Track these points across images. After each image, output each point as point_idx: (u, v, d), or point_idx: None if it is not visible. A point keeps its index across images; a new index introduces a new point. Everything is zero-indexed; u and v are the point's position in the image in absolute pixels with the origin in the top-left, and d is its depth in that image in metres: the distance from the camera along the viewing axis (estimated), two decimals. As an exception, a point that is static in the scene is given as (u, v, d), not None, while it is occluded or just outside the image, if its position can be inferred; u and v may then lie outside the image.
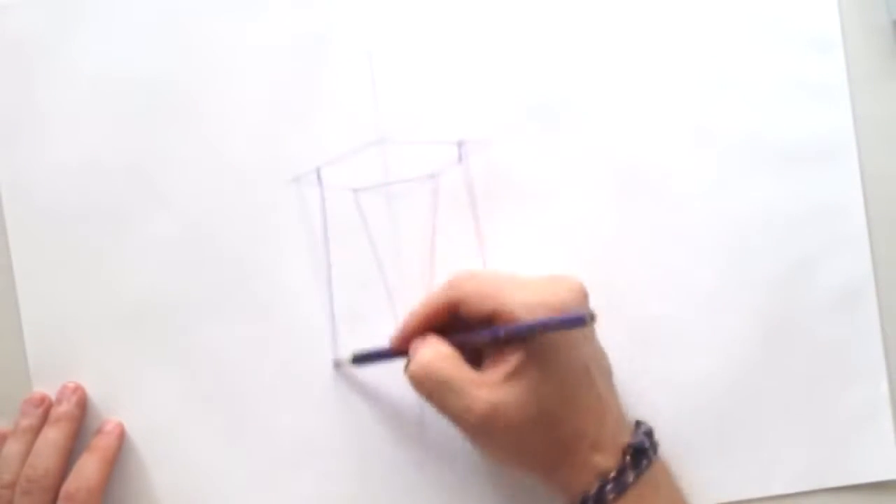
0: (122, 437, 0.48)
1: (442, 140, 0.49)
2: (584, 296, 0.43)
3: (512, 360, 0.42)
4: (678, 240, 0.49)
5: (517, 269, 0.45)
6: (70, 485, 0.46)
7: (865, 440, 0.48)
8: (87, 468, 0.46)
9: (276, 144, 0.49)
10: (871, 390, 0.48)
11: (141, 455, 0.48)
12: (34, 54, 0.49)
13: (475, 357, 0.43)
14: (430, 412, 0.47)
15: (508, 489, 0.48)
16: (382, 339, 0.48)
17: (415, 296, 0.48)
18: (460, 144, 0.49)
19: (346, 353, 0.48)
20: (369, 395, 0.48)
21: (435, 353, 0.43)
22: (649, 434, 0.44)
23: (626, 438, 0.43)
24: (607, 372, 0.45)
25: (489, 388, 0.42)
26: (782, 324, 0.49)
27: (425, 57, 0.49)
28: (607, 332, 0.48)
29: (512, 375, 0.42)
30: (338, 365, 0.48)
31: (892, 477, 0.48)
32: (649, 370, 0.48)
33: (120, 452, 0.48)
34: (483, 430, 0.42)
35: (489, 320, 0.42)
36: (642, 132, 0.49)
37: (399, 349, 0.45)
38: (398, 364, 0.45)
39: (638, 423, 0.45)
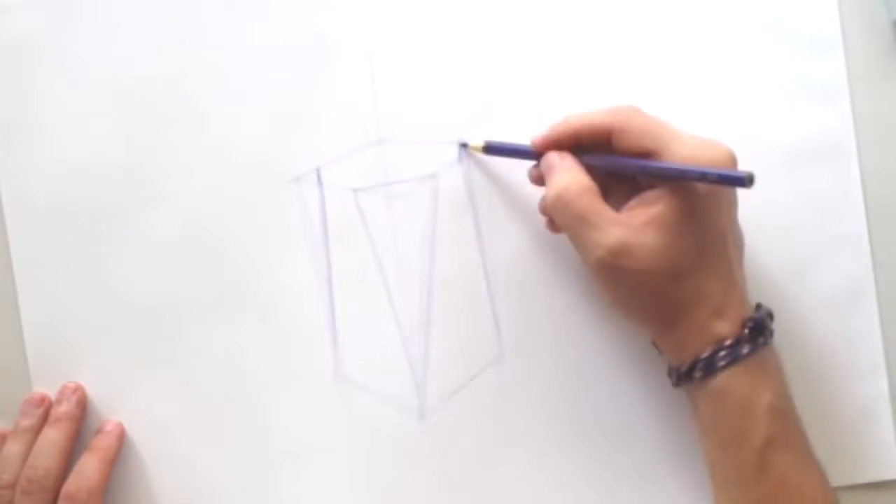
0: (122, 437, 0.48)
1: (442, 140, 0.49)
2: (735, 163, 0.42)
3: (655, 205, 0.41)
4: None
5: (513, 273, 0.45)
6: (70, 485, 0.46)
7: (865, 440, 0.48)
8: (87, 468, 0.46)
9: (276, 144, 0.49)
10: (870, 390, 0.48)
11: (141, 455, 0.48)
12: (34, 54, 0.49)
13: (605, 192, 0.43)
14: (429, 406, 0.48)
15: (508, 490, 0.48)
16: (382, 339, 0.48)
17: (415, 295, 0.48)
18: (460, 144, 0.49)
19: (346, 356, 0.48)
20: (369, 394, 0.48)
21: (572, 180, 0.42)
22: (770, 315, 0.44)
23: (748, 312, 0.42)
24: (741, 247, 0.44)
25: (626, 226, 0.41)
26: (782, 324, 0.48)
27: (425, 57, 0.49)
28: (606, 332, 0.48)
29: (652, 221, 0.41)
30: (463, 145, 0.47)
31: (892, 477, 0.48)
32: (649, 369, 0.48)
33: (120, 452, 0.48)
34: (611, 267, 0.41)
35: (643, 157, 0.42)
36: (642, 132, 0.49)
37: (538, 151, 0.44)
38: (398, 364, 0.46)
39: (759, 305, 0.44)
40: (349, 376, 0.48)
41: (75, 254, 0.49)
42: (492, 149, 0.46)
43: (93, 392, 0.48)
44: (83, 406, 0.48)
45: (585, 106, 0.48)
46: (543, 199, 0.44)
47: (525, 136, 0.48)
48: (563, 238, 0.48)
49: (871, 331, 0.49)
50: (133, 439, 0.48)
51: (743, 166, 0.48)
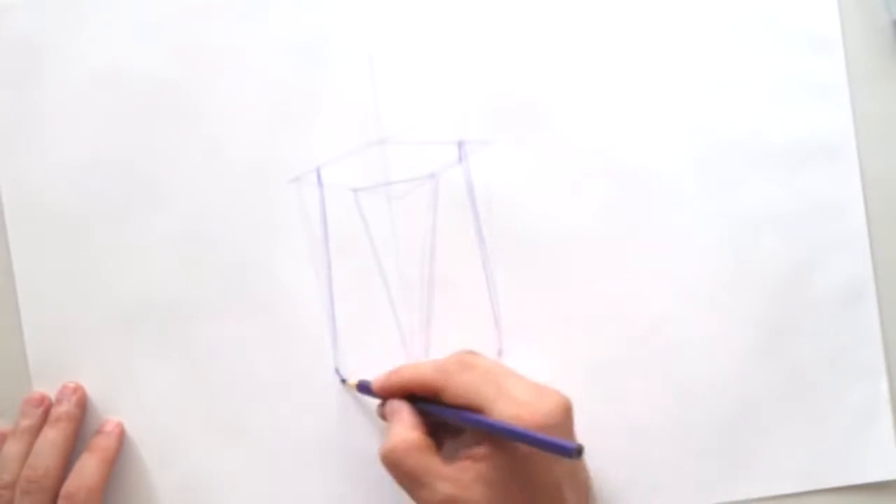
0: (122, 437, 0.48)
1: (442, 140, 0.49)
2: (570, 415, 0.42)
3: (482, 462, 0.41)
4: (678, 240, 0.49)
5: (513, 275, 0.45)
6: (70, 485, 0.46)
7: (865, 440, 0.48)
8: (87, 468, 0.46)
9: (276, 144, 0.49)
10: (871, 390, 0.48)
11: (141, 455, 0.48)
12: (34, 54, 0.49)
13: (444, 434, 0.44)
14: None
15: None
16: (382, 339, 0.48)
17: (415, 296, 0.48)
18: (460, 144, 0.49)
19: (346, 356, 0.48)
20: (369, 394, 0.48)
21: (404, 438, 0.42)
22: None
23: None
24: (584, 488, 0.44)
25: (455, 483, 0.41)
26: (782, 324, 0.49)
27: (425, 57, 0.49)
28: (607, 332, 0.48)
29: (479, 477, 0.41)
30: (343, 380, 0.48)
31: (892, 477, 0.48)
32: (650, 370, 0.48)
33: (120, 452, 0.48)
34: None
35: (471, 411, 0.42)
36: (642, 132, 0.49)
37: (379, 396, 0.46)
38: (398, 364, 0.45)
39: None
40: (349, 376, 0.48)
41: (75, 254, 0.49)
42: (361, 387, 0.47)
43: (93, 392, 0.48)
44: (83, 406, 0.48)
45: (585, 105, 0.49)
46: (380, 456, 0.43)
47: (525, 137, 0.49)
48: (562, 238, 0.49)
49: (871, 331, 0.49)
50: (133, 439, 0.48)
51: (743, 166, 0.49)
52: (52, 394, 0.48)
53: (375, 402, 0.47)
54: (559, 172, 0.49)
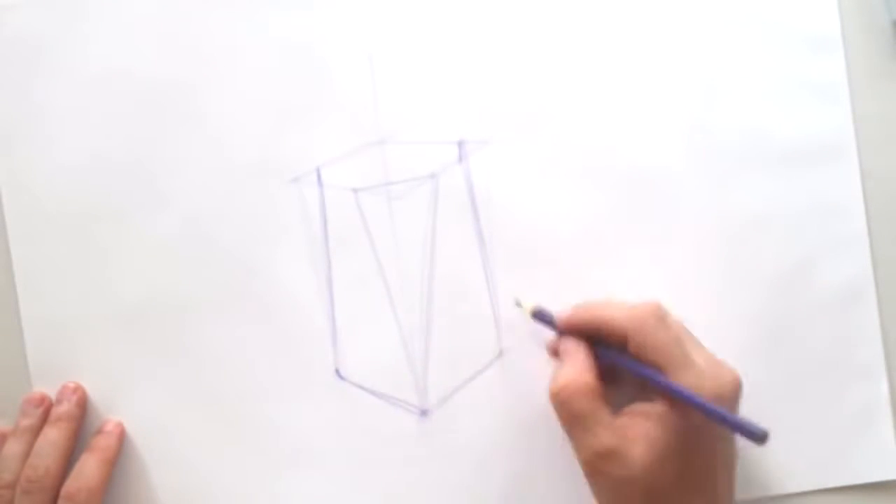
0: (122, 437, 0.48)
1: (442, 140, 0.49)
2: (740, 393, 0.42)
3: (651, 422, 0.42)
4: (678, 240, 0.49)
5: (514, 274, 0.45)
6: (70, 485, 0.46)
7: (865, 440, 0.48)
8: (87, 468, 0.46)
9: (276, 144, 0.49)
10: (871, 390, 0.48)
11: (141, 455, 0.48)
12: (35, 54, 0.49)
13: (615, 381, 0.44)
14: (429, 406, 0.48)
15: (509, 489, 0.48)
16: (382, 339, 0.48)
17: (415, 296, 0.48)
18: (460, 144, 0.49)
19: (346, 356, 0.48)
20: (370, 394, 0.48)
21: (573, 379, 0.42)
22: None
23: None
24: (733, 472, 0.44)
25: (617, 435, 0.41)
26: (782, 324, 0.49)
27: (425, 58, 0.49)
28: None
29: (643, 436, 0.41)
30: (518, 304, 0.48)
31: (892, 477, 0.48)
32: (649, 370, 0.48)
33: (120, 452, 0.48)
34: (595, 469, 0.42)
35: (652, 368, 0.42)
36: (642, 132, 0.49)
37: (561, 331, 0.45)
38: (398, 364, 0.45)
39: None
40: (349, 376, 0.48)
41: (75, 254, 0.49)
42: (538, 315, 0.47)
43: (93, 392, 0.48)
44: (83, 406, 0.48)
45: (585, 105, 0.49)
46: (549, 392, 0.44)
47: (525, 137, 0.49)
48: (562, 238, 0.49)
49: (871, 331, 0.49)
50: (133, 439, 0.48)
51: (743, 166, 0.49)
52: (52, 394, 0.48)
53: (375, 401, 0.47)
54: (559, 172, 0.49)
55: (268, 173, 0.49)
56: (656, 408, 0.42)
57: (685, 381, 0.41)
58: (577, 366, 0.43)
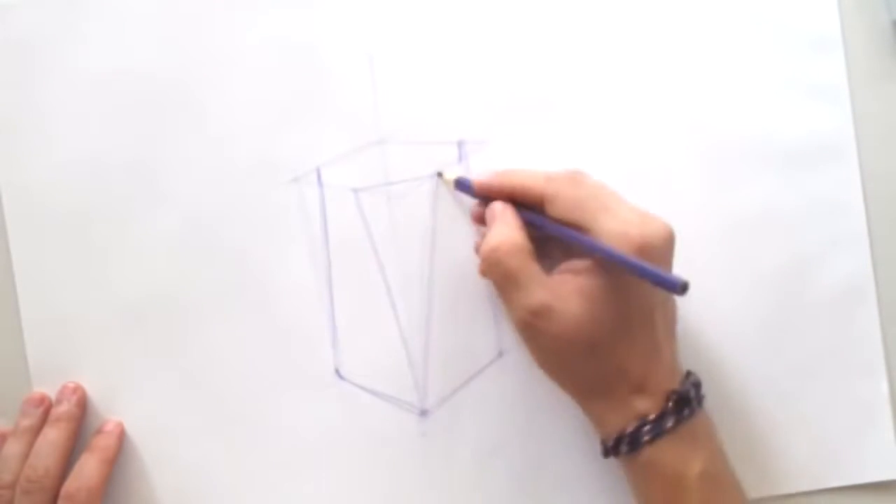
0: (122, 437, 0.48)
1: (442, 140, 0.49)
2: (672, 244, 0.42)
3: (582, 276, 0.42)
4: (678, 239, 0.49)
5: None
6: (70, 485, 0.46)
7: (865, 440, 0.48)
8: (87, 468, 0.46)
9: (276, 144, 0.49)
10: (871, 390, 0.48)
11: (141, 455, 0.48)
12: (35, 54, 0.49)
13: (543, 247, 0.44)
14: (429, 406, 0.48)
15: (509, 489, 0.48)
16: (382, 339, 0.48)
17: (415, 296, 0.48)
18: (460, 144, 0.49)
19: (346, 356, 0.48)
20: (370, 394, 0.48)
21: (506, 238, 0.42)
22: (697, 385, 0.43)
23: (673, 385, 0.42)
24: (672, 320, 0.44)
25: (552, 291, 0.41)
26: (782, 323, 0.49)
27: (425, 57, 0.49)
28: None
29: (577, 290, 0.41)
30: (439, 175, 0.48)
31: (892, 477, 0.48)
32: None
33: (120, 452, 0.48)
34: (531, 328, 0.42)
35: (574, 228, 0.42)
36: (642, 132, 0.49)
37: (482, 196, 0.46)
38: (398, 364, 0.45)
39: (688, 374, 0.44)
40: (349, 376, 0.48)
41: (75, 254, 0.49)
42: (459, 184, 0.47)
43: (93, 392, 0.48)
44: (83, 406, 0.48)
45: (585, 105, 0.49)
46: (479, 245, 0.44)
47: (525, 137, 0.49)
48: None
49: (871, 331, 0.49)
50: (133, 439, 0.48)
51: (743, 165, 0.49)
52: (52, 394, 0.48)
53: (375, 401, 0.47)
54: (559, 172, 0.49)
55: (268, 173, 0.49)
56: (586, 263, 0.42)
57: (608, 228, 0.41)
58: (508, 226, 0.43)
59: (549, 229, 0.43)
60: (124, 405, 0.48)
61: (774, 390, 0.48)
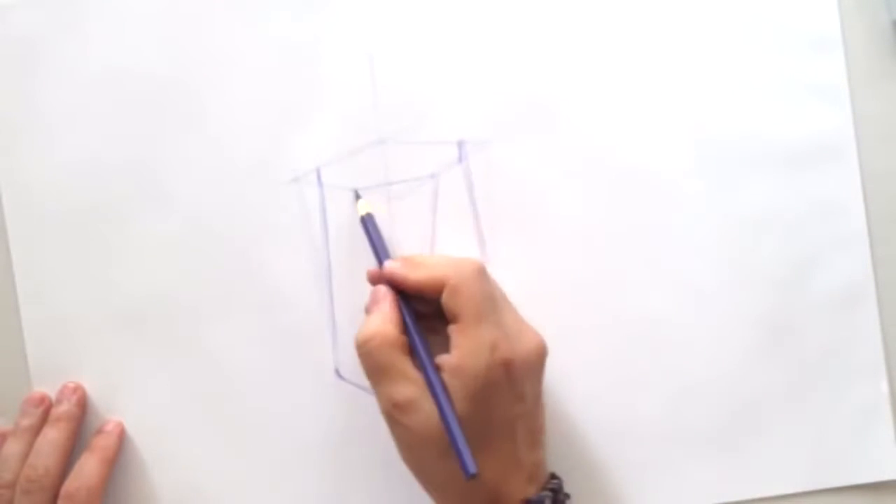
0: (122, 437, 0.48)
1: (442, 140, 0.49)
2: (543, 356, 0.43)
3: (447, 373, 0.42)
4: (678, 240, 0.49)
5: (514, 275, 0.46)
6: (70, 484, 0.46)
7: (865, 440, 0.48)
8: (87, 468, 0.46)
9: (276, 144, 0.49)
10: (871, 390, 0.48)
11: (141, 455, 0.48)
12: (35, 54, 0.49)
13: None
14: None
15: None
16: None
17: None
18: (460, 144, 0.49)
19: (346, 356, 0.48)
20: (369, 393, 0.48)
21: (378, 332, 0.43)
22: (556, 490, 0.43)
23: (531, 492, 0.42)
24: (538, 430, 0.44)
25: (415, 386, 0.42)
26: (782, 324, 0.49)
27: (425, 57, 0.49)
28: (608, 333, 0.48)
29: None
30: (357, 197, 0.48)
31: (892, 477, 0.48)
32: (649, 371, 0.48)
33: (120, 452, 0.48)
34: (392, 419, 0.42)
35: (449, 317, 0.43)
36: (642, 132, 0.49)
37: (372, 280, 0.46)
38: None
39: (552, 476, 0.44)
40: (349, 376, 0.48)
41: (75, 254, 0.49)
42: (364, 223, 0.47)
43: (93, 392, 0.48)
44: (83, 406, 0.48)
45: (585, 105, 0.49)
46: (354, 341, 0.44)
47: (525, 137, 0.49)
48: (562, 238, 0.49)
49: (871, 331, 0.49)
50: (133, 439, 0.48)
51: (743, 166, 0.49)
52: (52, 394, 0.48)
53: (375, 402, 0.47)
54: (559, 172, 0.49)
55: (268, 173, 0.49)
56: (452, 359, 0.42)
57: (488, 335, 0.41)
58: (382, 317, 0.43)
59: (412, 335, 0.43)
60: (124, 405, 0.48)
61: (774, 390, 0.48)
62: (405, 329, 0.44)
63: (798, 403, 0.48)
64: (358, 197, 0.48)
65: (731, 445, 0.48)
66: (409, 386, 0.42)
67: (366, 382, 0.46)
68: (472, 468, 0.40)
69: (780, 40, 0.49)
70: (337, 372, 0.48)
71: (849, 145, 0.49)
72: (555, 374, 0.46)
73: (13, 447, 0.47)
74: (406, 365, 0.42)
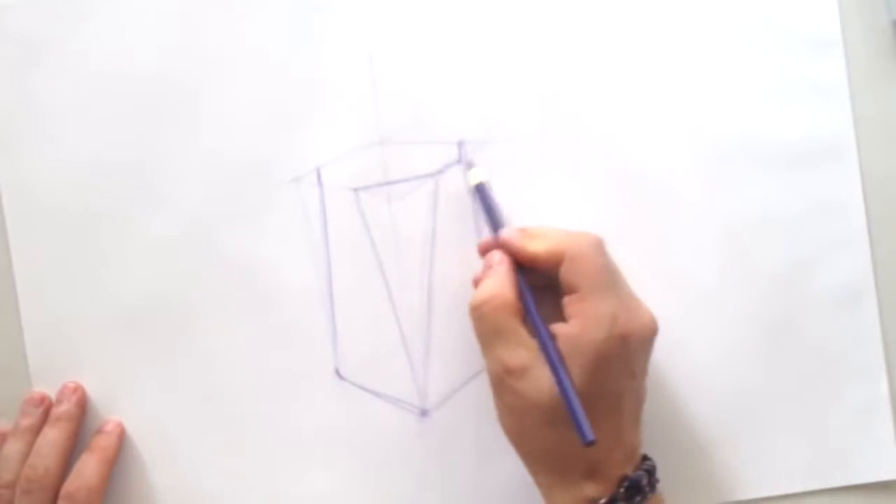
0: (122, 437, 0.48)
1: (442, 140, 0.49)
2: (653, 337, 0.43)
3: (562, 343, 0.41)
4: (678, 240, 0.49)
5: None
6: (70, 485, 0.46)
7: (865, 440, 0.48)
8: (87, 468, 0.46)
9: (276, 144, 0.49)
10: (871, 390, 0.48)
11: (141, 455, 0.48)
12: (34, 54, 0.49)
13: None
14: (429, 406, 0.48)
15: (509, 489, 0.48)
16: (382, 339, 0.48)
17: (415, 296, 0.48)
18: (460, 144, 0.49)
19: (346, 356, 0.48)
20: (370, 394, 0.48)
21: (495, 295, 0.42)
22: (651, 471, 0.43)
23: (626, 471, 0.42)
24: (640, 404, 0.44)
25: (529, 352, 0.41)
26: (782, 324, 0.49)
27: (425, 57, 0.49)
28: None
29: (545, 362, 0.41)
30: (461, 143, 0.48)
31: (892, 477, 0.48)
32: (649, 371, 0.48)
33: (120, 452, 0.48)
34: (503, 383, 0.42)
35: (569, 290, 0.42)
36: (642, 132, 0.49)
37: (488, 246, 0.45)
38: (398, 364, 0.45)
39: (644, 458, 0.44)
40: (349, 376, 0.48)
41: (75, 254, 0.49)
42: (479, 191, 0.47)
43: (93, 392, 0.48)
44: (83, 406, 0.48)
45: (585, 105, 0.49)
46: (469, 304, 0.43)
47: (525, 137, 0.49)
48: (563, 238, 0.49)
49: (871, 331, 0.49)
50: (133, 439, 0.48)
51: (743, 166, 0.49)
52: (52, 394, 0.48)
53: (375, 401, 0.47)
54: (559, 172, 0.49)
55: (268, 173, 0.49)
56: (571, 329, 0.41)
57: (609, 307, 0.41)
58: (499, 281, 0.43)
59: (531, 317, 0.43)
60: (124, 405, 0.48)
61: (775, 390, 0.48)
62: (521, 296, 0.43)
63: (798, 403, 0.48)
64: (471, 167, 0.47)
65: (731, 445, 0.48)
66: (524, 351, 0.41)
67: (366, 382, 0.46)
68: (589, 435, 0.39)
69: (780, 40, 0.49)
70: (337, 372, 0.48)
71: (849, 145, 0.49)
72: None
73: (13, 447, 0.47)
74: (521, 330, 0.42)
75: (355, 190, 0.49)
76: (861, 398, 0.48)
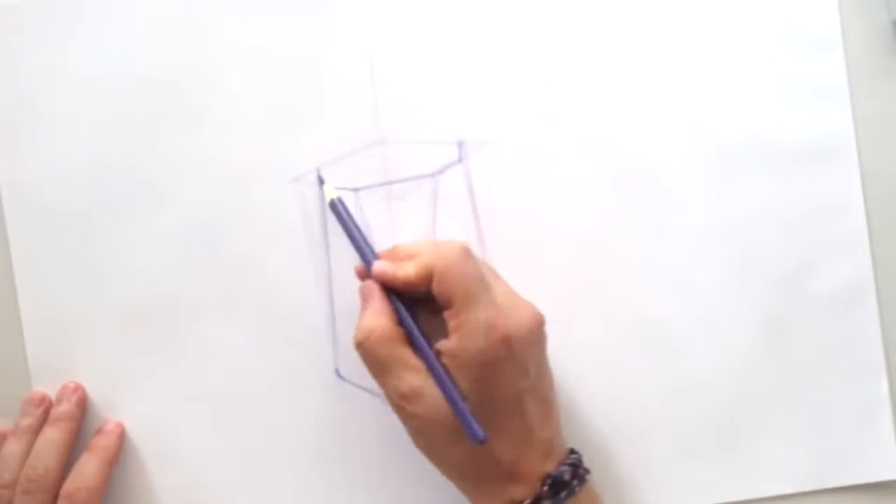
0: (122, 437, 0.48)
1: (442, 140, 0.49)
2: (538, 331, 0.43)
3: (447, 358, 0.42)
4: (678, 240, 0.49)
5: (514, 275, 0.45)
6: (70, 484, 0.46)
7: (865, 440, 0.48)
8: (87, 468, 0.46)
9: (276, 144, 0.49)
10: (871, 390, 0.48)
11: (141, 455, 0.48)
12: (34, 55, 0.49)
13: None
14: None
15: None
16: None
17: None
18: (460, 144, 0.49)
19: (346, 356, 0.48)
20: (369, 393, 0.48)
21: (374, 328, 0.42)
22: (575, 465, 0.43)
23: (548, 468, 0.42)
24: (546, 399, 0.43)
25: (418, 375, 0.42)
26: (782, 324, 0.49)
27: (425, 57, 0.49)
28: (607, 333, 0.48)
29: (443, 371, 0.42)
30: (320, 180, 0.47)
31: (892, 477, 0.48)
32: (649, 371, 0.48)
33: (120, 452, 0.48)
34: (402, 410, 0.42)
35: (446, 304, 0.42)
36: (642, 132, 0.49)
37: (361, 274, 0.45)
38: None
39: (571, 452, 0.44)
40: (349, 376, 0.48)
41: (75, 254, 0.49)
42: (334, 208, 0.46)
43: (93, 392, 0.48)
44: (83, 406, 0.48)
45: (585, 105, 0.49)
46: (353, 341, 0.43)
47: (525, 137, 0.49)
48: (562, 238, 0.49)
49: (871, 331, 0.49)
50: (133, 439, 0.48)
51: (743, 166, 0.49)
52: (52, 394, 0.48)
53: (375, 401, 0.47)
54: (559, 172, 0.49)
55: (268, 173, 0.49)
56: (450, 344, 0.42)
57: (483, 315, 0.41)
58: (374, 313, 0.43)
59: (408, 329, 0.43)
60: (124, 405, 0.48)
61: (774, 390, 0.48)
62: (400, 320, 0.43)
63: (798, 403, 0.48)
64: (322, 182, 0.47)
65: (731, 445, 0.48)
66: (413, 375, 0.42)
67: (366, 382, 0.46)
68: (479, 434, 0.40)
69: (780, 40, 0.49)
70: (337, 372, 0.48)
71: (849, 145, 0.49)
72: (553, 373, 0.46)
73: (13, 447, 0.47)
74: (406, 355, 0.42)
75: (355, 190, 0.49)
76: (861, 398, 0.48)
